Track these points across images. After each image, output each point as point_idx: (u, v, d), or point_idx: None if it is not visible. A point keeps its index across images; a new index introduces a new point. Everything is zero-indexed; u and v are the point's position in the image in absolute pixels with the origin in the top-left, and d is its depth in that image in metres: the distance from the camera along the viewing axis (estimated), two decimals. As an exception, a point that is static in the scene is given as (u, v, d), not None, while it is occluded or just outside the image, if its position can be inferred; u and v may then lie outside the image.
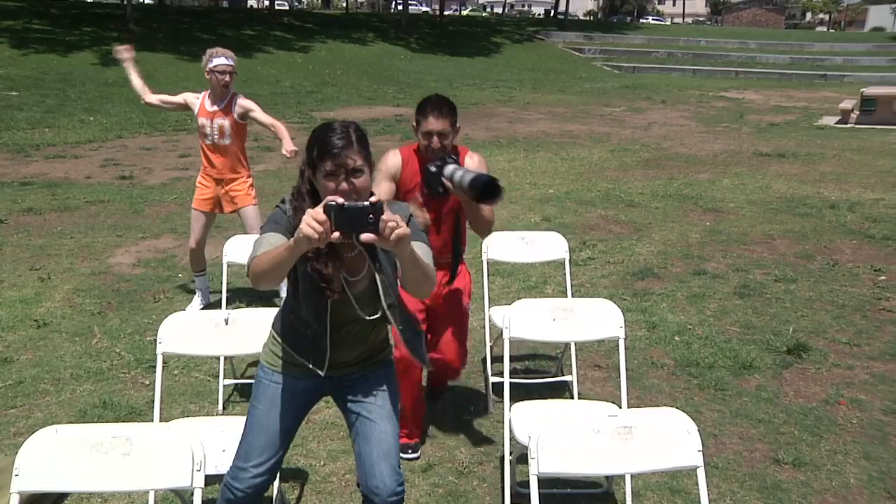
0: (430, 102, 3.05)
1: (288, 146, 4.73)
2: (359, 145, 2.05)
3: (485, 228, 3.18)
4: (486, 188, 2.70)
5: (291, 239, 1.84)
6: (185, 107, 4.84)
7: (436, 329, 3.26)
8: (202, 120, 4.76)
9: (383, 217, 1.77)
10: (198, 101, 4.79)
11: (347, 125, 2.08)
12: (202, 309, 4.92)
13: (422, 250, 2.05)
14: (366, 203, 1.77)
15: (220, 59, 4.63)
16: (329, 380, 2.32)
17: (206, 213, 4.94)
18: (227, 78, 4.66)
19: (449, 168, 2.93)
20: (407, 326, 2.31)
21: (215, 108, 4.74)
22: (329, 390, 2.40)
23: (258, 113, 4.76)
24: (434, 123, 2.99)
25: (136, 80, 4.79)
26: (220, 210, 4.97)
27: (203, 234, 4.98)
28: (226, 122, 4.73)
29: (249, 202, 4.91)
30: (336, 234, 1.78)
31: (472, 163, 3.17)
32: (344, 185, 2.00)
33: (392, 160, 3.19)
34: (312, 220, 1.75)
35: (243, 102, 4.76)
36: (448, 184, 2.91)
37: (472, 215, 3.09)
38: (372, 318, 2.21)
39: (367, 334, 2.31)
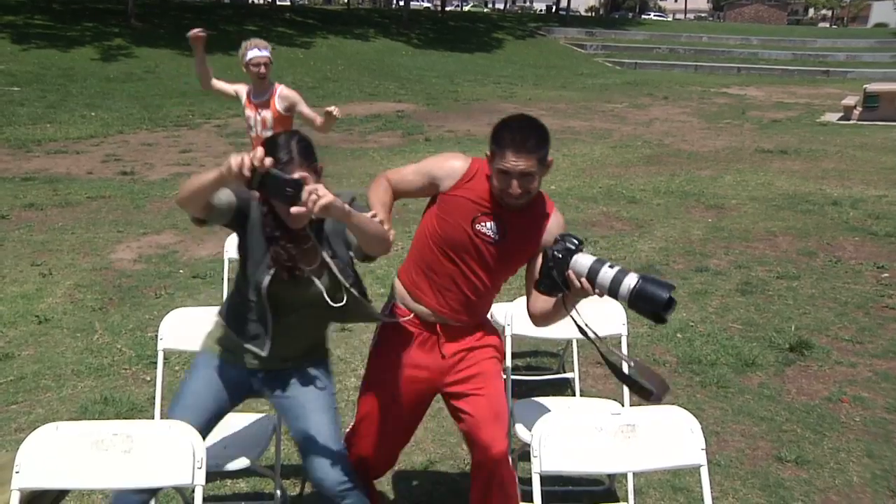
0: (510, 129, 2.20)
1: (331, 109, 4.62)
2: (301, 157, 2.09)
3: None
4: (666, 306, 1.96)
5: (217, 168, 1.88)
6: (236, 97, 4.84)
7: (464, 404, 2.45)
8: (247, 112, 4.78)
9: (306, 188, 1.82)
10: (245, 93, 4.80)
11: (290, 138, 2.11)
12: None
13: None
14: (289, 177, 1.85)
15: (253, 51, 4.61)
16: (264, 376, 2.34)
17: None
18: (263, 69, 4.64)
19: (582, 260, 2.11)
20: (367, 306, 2.28)
21: (258, 99, 4.73)
22: (261, 388, 2.38)
23: (302, 106, 4.75)
24: (514, 161, 2.16)
25: (202, 65, 4.77)
26: None
27: None
28: (268, 115, 4.71)
29: None
30: (256, 194, 1.94)
31: (559, 222, 2.41)
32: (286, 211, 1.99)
33: (454, 164, 2.36)
34: (242, 159, 1.78)
35: (286, 93, 4.73)
36: (577, 281, 2.11)
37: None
38: (339, 304, 2.20)
39: (312, 328, 2.34)
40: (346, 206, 1.92)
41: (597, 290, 2.08)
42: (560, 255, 2.13)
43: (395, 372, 2.45)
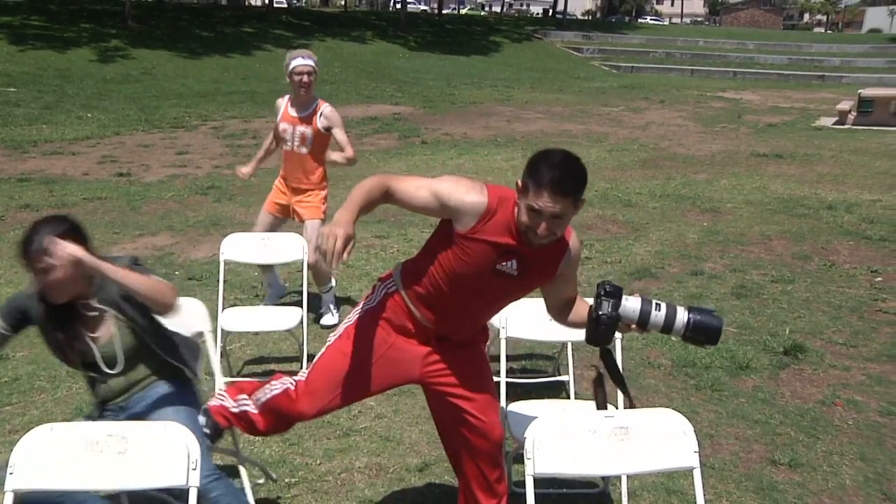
0: (552, 167, 2.09)
1: (349, 152, 4.52)
2: (46, 238, 2.29)
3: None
4: (717, 333, 2.18)
5: None
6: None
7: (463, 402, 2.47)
8: (283, 125, 4.51)
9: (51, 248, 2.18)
10: (282, 105, 4.56)
11: (37, 229, 2.33)
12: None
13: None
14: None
15: (297, 59, 4.38)
16: (114, 409, 2.53)
17: (273, 215, 4.68)
18: (306, 78, 4.37)
19: (631, 306, 2.18)
20: (177, 350, 2.64)
21: (300, 113, 4.49)
22: (117, 418, 2.52)
23: (338, 131, 4.52)
24: (550, 204, 2.07)
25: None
26: (291, 217, 4.70)
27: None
28: (308, 131, 4.47)
29: (316, 216, 4.60)
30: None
31: (577, 249, 2.34)
32: (43, 279, 2.28)
33: (475, 201, 2.19)
34: None
35: (329, 114, 4.49)
36: (628, 327, 2.20)
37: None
38: (113, 371, 2.47)
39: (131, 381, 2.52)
40: (100, 263, 2.21)
41: (649, 329, 2.19)
42: (610, 316, 2.16)
43: (375, 341, 2.41)
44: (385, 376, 2.46)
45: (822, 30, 76.28)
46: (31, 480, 1.87)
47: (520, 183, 2.15)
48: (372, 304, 2.46)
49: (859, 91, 15.71)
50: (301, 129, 4.48)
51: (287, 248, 4.04)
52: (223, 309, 3.88)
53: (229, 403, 2.65)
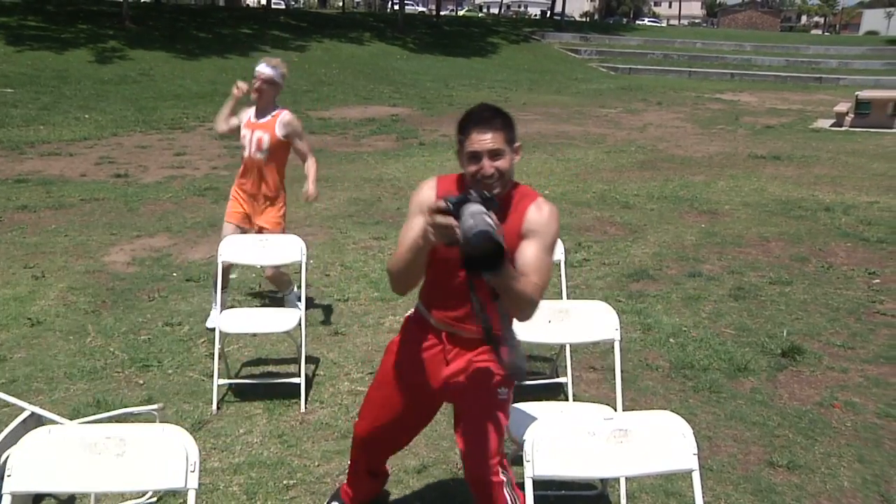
0: (474, 114, 2.27)
1: (310, 190, 4.52)
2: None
3: (519, 306, 2.18)
4: (484, 252, 1.89)
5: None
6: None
7: (458, 427, 2.49)
8: (244, 130, 4.51)
9: None
10: (248, 112, 4.57)
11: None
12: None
13: None
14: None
15: (260, 65, 4.40)
16: None
17: (237, 225, 4.62)
18: (258, 84, 4.37)
19: (470, 209, 1.98)
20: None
21: (258, 119, 4.48)
22: None
23: (299, 140, 4.51)
24: (479, 140, 2.19)
25: (225, 111, 4.66)
26: (252, 227, 4.65)
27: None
28: (265, 136, 4.44)
29: (277, 229, 4.58)
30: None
31: (542, 219, 2.26)
32: None
33: (424, 193, 2.33)
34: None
35: (288, 120, 4.47)
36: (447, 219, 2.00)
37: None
38: None
39: None
40: None
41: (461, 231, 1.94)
42: (451, 206, 1.98)
43: (401, 369, 2.52)
44: (416, 403, 2.55)
45: (820, 32, 76.48)
46: (29, 483, 1.87)
47: (457, 147, 2.29)
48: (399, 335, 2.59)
49: (856, 93, 15.75)
50: (259, 133, 4.45)
51: (285, 250, 4.03)
52: (221, 311, 3.87)
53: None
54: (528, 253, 2.23)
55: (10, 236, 6.46)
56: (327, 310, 5.04)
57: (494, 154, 2.18)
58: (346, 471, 2.98)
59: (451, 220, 1.93)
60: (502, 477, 2.36)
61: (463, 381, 2.43)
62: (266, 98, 4.46)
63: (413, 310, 2.57)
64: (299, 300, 4.77)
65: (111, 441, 1.90)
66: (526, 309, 2.18)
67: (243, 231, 4.63)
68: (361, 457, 2.78)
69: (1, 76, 15.44)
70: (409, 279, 2.31)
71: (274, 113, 4.48)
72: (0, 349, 4.31)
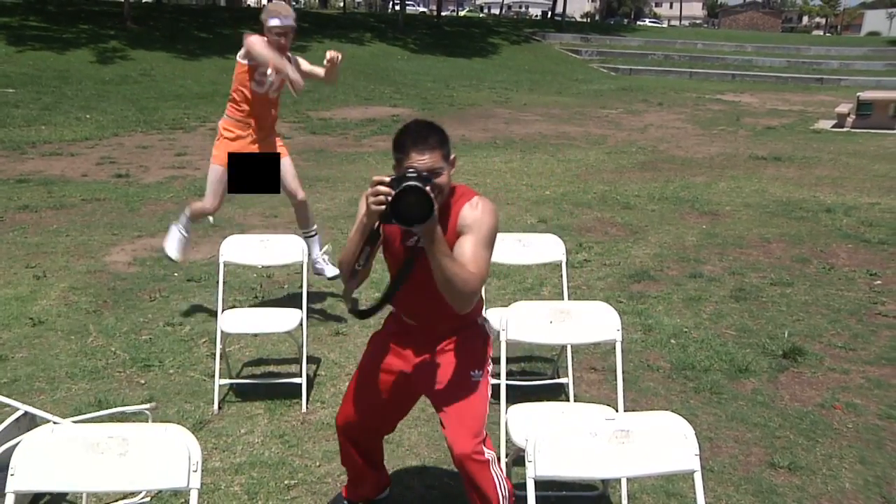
0: (410, 133, 2.30)
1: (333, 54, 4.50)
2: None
3: (452, 290, 2.25)
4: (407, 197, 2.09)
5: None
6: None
7: (438, 410, 2.59)
8: (269, 70, 4.33)
9: None
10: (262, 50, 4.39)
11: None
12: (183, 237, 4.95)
13: None
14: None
15: (274, 20, 4.35)
16: None
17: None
18: (283, 40, 4.39)
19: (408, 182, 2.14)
20: None
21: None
22: None
23: (304, 63, 4.64)
24: (419, 160, 2.24)
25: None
26: None
27: (223, 198, 4.79)
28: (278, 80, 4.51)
29: (286, 154, 4.75)
30: None
31: (475, 214, 2.37)
32: None
33: (363, 207, 2.35)
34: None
35: (299, 60, 4.62)
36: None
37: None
38: None
39: None
40: None
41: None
42: (394, 180, 2.15)
43: (377, 361, 2.67)
44: (393, 394, 2.67)
45: (821, 32, 76.41)
46: (32, 482, 1.87)
47: (393, 163, 2.34)
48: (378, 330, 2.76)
49: (858, 94, 15.73)
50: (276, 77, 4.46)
51: (287, 251, 4.03)
52: (222, 311, 3.87)
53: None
54: (465, 246, 2.33)
55: (11, 236, 6.47)
56: (328, 310, 5.04)
57: (431, 171, 2.24)
58: (345, 470, 2.99)
59: (388, 190, 2.12)
60: (487, 456, 2.44)
61: (434, 369, 2.55)
62: (287, 50, 4.49)
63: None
64: (324, 253, 4.93)
65: (114, 440, 1.90)
66: (459, 294, 2.26)
67: None
68: (350, 449, 2.84)
69: (2, 76, 15.46)
70: (358, 270, 2.41)
71: (288, 60, 4.48)
72: (2, 349, 4.32)
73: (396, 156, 2.31)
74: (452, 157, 2.36)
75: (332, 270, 4.91)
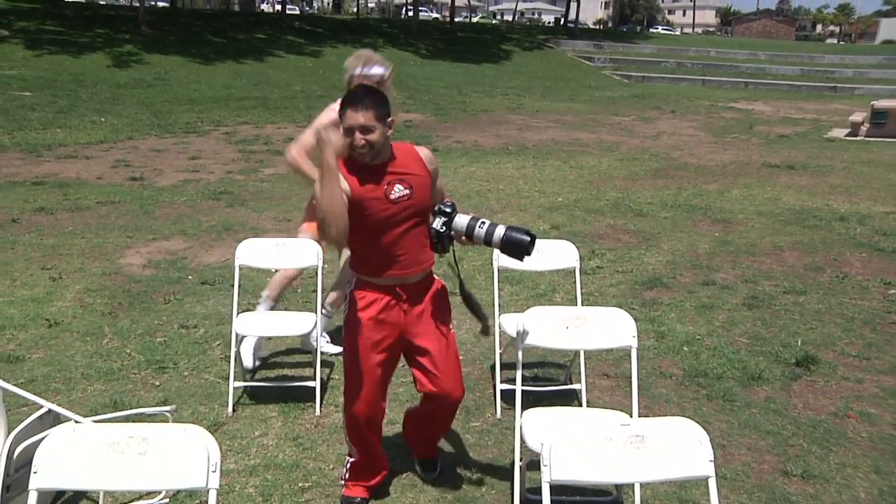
0: (349, 95, 2.66)
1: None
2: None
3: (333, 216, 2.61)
4: (527, 248, 2.67)
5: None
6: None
7: (424, 358, 2.88)
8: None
9: None
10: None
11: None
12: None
13: None
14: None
15: (357, 69, 3.86)
16: None
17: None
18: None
19: (460, 222, 2.71)
20: None
21: None
22: None
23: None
24: (353, 116, 2.60)
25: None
26: None
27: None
28: None
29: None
30: None
31: (432, 156, 2.85)
32: None
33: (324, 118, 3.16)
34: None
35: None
36: (463, 239, 2.73)
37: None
38: None
39: None
40: None
41: (475, 242, 2.70)
42: (443, 228, 2.69)
43: (366, 336, 2.82)
44: (388, 356, 2.88)
45: (835, 41, 76.10)
46: (54, 479, 1.90)
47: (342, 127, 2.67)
48: (346, 313, 2.90)
49: (872, 102, 15.66)
50: None
51: (302, 254, 4.05)
52: (237, 314, 3.90)
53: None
54: (439, 182, 2.94)
55: (27, 238, 6.53)
56: (340, 313, 5.05)
57: (365, 129, 2.60)
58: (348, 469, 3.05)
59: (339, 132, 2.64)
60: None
61: (423, 322, 2.85)
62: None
63: (352, 288, 2.87)
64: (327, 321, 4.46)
65: (134, 440, 1.93)
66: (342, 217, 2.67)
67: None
68: (366, 432, 2.97)
69: (19, 79, 15.61)
70: (336, 216, 2.60)
71: None
72: (19, 349, 4.36)
73: (339, 114, 2.67)
74: (391, 119, 2.68)
75: (333, 348, 4.44)
